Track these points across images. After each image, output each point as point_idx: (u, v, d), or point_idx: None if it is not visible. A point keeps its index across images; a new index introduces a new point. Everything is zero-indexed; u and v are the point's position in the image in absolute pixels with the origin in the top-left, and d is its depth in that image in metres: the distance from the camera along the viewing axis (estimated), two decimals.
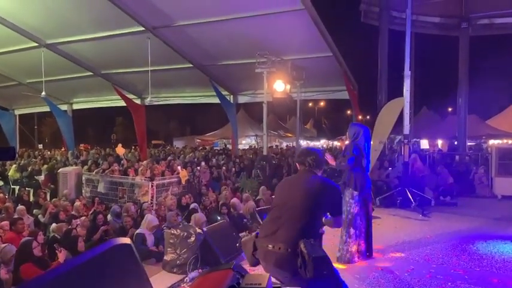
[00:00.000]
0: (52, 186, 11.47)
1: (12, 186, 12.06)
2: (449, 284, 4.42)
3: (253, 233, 3.22)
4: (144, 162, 12.06)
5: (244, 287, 2.27)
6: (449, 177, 11.14)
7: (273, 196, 5.04)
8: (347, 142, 5.54)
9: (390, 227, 7.35)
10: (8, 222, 6.35)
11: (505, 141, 19.44)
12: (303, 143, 28.20)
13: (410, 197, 8.96)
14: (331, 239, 5.83)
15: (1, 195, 8.96)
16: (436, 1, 15.52)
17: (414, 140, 16.05)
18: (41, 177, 12.39)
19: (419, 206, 8.70)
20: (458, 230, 7.02)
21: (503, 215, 8.44)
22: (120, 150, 12.44)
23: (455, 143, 17.96)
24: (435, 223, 7.65)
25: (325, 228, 3.27)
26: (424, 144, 17.08)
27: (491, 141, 19.59)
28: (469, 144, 19.04)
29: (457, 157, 14.88)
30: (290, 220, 2.97)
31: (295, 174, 3.32)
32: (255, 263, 3.12)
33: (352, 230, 5.13)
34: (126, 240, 2.12)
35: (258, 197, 9.50)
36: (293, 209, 3.00)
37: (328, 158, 5.48)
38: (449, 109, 27.80)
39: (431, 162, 13.19)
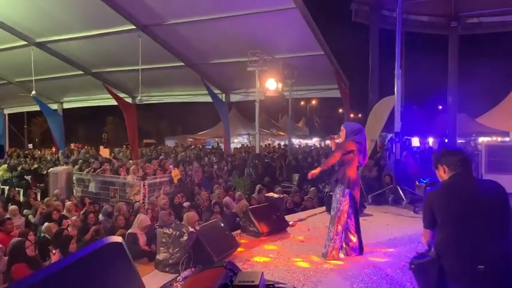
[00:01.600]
0: (42, 185, 11.36)
1: (1, 186, 11.94)
2: None
3: (431, 255, 2.69)
4: (133, 161, 11.99)
5: (237, 285, 2.27)
6: None
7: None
8: (338, 141, 5.52)
9: (382, 224, 7.38)
10: None
11: (494, 138, 19.66)
12: (295, 141, 28.27)
13: (402, 195, 9.02)
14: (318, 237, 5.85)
15: None
16: (426, 0, 15.63)
17: (405, 137, 16.18)
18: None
19: (411, 203, 8.76)
20: None
21: None
22: (103, 152, 12.28)
23: (446, 140, 18.13)
24: None
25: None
26: (415, 142, 17.18)
27: (481, 139, 19.80)
28: (459, 141, 19.22)
29: None
30: (496, 234, 2.55)
31: (450, 179, 2.77)
32: None
33: (339, 228, 5.14)
34: (118, 238, 2.11)
35: (253, 195, 9.43)
36: (491, 221, 2.56)
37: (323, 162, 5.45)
38: (440, 107, 28.04)
39: (422, 160, 13.28)
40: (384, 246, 5.84)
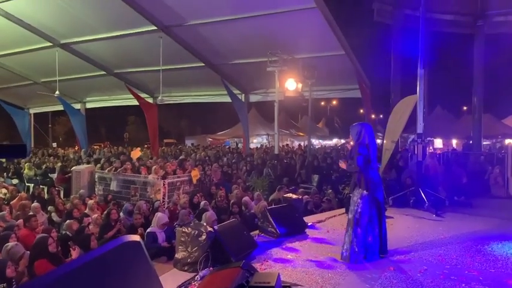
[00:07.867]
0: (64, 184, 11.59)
1: (27, 184, 12.26)
2: (463, 285, 4.34)
3: None
4: (153, 160, 12.09)
5: (253, 285, 2.26)
6: (463, 177, 10.96)
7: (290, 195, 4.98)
8: (352, 143, 5.52)
9: (403, 227, 7.25)
10: (23, 220, 6.46)
11: None
12: (315, 142, 28.09)
13: (424, 197, 8.83)
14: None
15: (23, 193, 9.24)
16: None
17: (428, 139, 15.85)
18: (55, 175, 12.56)
19: (433, 206, 8.56)
20: (473, 231, 6.89)
21: None
22: (135, 154, 12.44)
23: (471, 142, 17.67)
24: (449, 223, 7.52)
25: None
26: (438, 143, 16.77)
27: (507, 141, 19.24)
28: (484, 143, 18.71)
29: (471, 157, 14.62)
30: None
31: None
32: None
33: (358, 230, 5.07)
34: (136, 237, 2.12)
35: (272, 197, 9.36)
36: None
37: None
38: (464, 108, 27.39)
39: (445, 162, 12.99)
40: (405, 250, 5.73)
